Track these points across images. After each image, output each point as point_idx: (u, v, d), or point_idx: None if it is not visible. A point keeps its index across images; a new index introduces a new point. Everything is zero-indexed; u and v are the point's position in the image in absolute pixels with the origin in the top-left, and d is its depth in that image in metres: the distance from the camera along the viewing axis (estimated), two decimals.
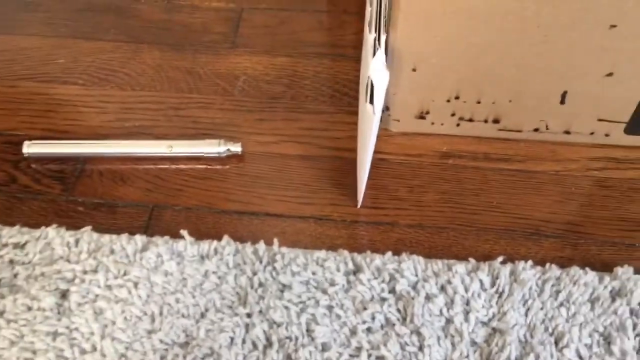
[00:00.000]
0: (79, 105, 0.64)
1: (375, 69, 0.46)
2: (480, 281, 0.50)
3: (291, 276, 0.51)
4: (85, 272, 0.51)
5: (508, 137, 0.60)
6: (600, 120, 0.57)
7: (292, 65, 0.67)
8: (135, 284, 0.50)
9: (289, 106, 0.64)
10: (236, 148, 0.59)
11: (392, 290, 0.50)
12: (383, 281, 0.50)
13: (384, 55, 0.48)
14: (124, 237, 0.53)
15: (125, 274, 0.51)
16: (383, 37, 0.49)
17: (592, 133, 0.59)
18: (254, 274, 0.51)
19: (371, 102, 0.48)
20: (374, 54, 0.48)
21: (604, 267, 0.52)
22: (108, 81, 0.66)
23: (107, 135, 0.62)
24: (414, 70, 0.55)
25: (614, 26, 0.49)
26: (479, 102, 0.57)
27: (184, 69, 0.67)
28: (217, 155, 0.59)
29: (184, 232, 0.53)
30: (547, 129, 0.59)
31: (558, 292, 0.50)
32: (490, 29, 0.51)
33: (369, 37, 0.50)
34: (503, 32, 0.51)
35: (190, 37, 0.70)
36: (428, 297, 0.50)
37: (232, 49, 0.69)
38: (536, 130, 0.59)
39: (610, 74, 0.53)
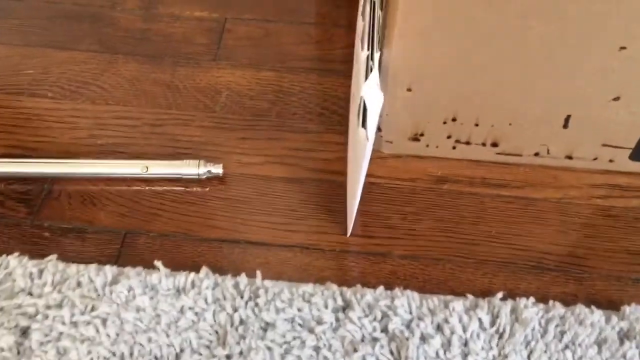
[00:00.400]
0: (49, 120, 0.60)
1: (369, 90, 0.43)
2: (480, 320, 0.47)
3: (275, 313, 0.46)
4: (48, 307, 0.46)
5: (507, 161, 0.57)
6: (604, 145, 0.54)
7: (277, 80, 0.63)
8: (104, 321, 0.46)
9: (274, 124, 0.60)
10: (217, 169, 0.55)
11: (384, 330, 0.46)
12: (375, 319, 0.47)
13: (378, 76, 0.44)
14: (93, 268, 0.48)
15: (92, 309, 0.46)
16: (377, 55, 0.45)
17: (595, 159, 0.56)
18: (235, 310, 0.47)
19: (363, 125, 0.44)
20: (367, 72, 0.44)
21: (610, 304, 0.49)
22: (80, 94, 0.62)
23: (77, 153, 0.57)
24: (409, 90, 0.51)
25: (623, 48, 0.46)
26: (476, 125, 0.54)
27: (163, 83, 0.63)
28: (197, 177, 0.55)
29: (158, 263, 0.48)
30: (548, 153, 0.56)
31: (563, 333, 0.46)
32: (490, 49, 0.47)
33: (362, 54, 0.46)
34: (504, 52, 0.47)
35: (170, 48, 0.66)
36: (423, 338, 0.46)
37: (214, 62, 0.65)
38: (537, 154, 0.56)
39: (616, 98, 0.50)
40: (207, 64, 0.65)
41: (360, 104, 0.45)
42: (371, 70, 0.44)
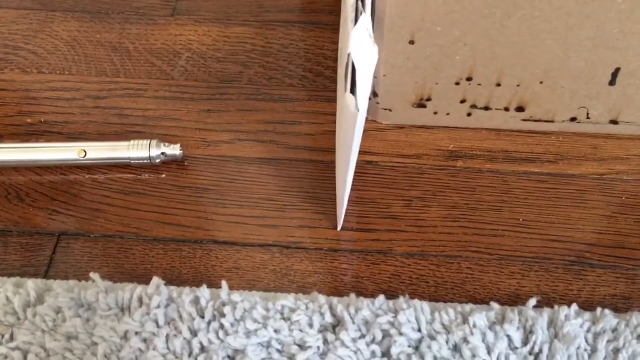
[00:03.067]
0: None
1: (358, 43, 0.31)
2: (508, 337, 0.36)
3: (245, 337, 0.36)
4: None
5: (536, 129, 0.46)
6: None
7: (250, 37, 0.52)
8: (25, 354, 0.35)
9: (247, 92, 0.49)
10: (173, 151, 0.44)
11: (386, 354, 0.36)
12: (373, 341, 0.36)
13: (370, 23, 0.33)
14: (10, 284, 0.38)
15: (11, 339, 0.36)
16: None
17: None
18: (194, 334, 0.36)
19: (352, 91, 0.33)
20: (356, 20, 0.33)
21: None
22: (7, 62, 0.50)
23: (1, 135, 0.46)
24: (411, 42, 0.40)
25: None
26: (498, 85, 0.42)
27: (109, 45, 0.51)
28: (148, 161, 0.44)
29: (94, 275, 0.38)
30: (588, 117, 0.44)
31: (617, 350, 0.36)
32: None
33: None
34: None
35: (118, 3, 0.54)
36: None
37: (172, 17, 0.53)
38: (573, 119, 0.45)
39: None
40: (163, 19, 0.53)
41: (347, 63, 0.34)
42: (357, 17, 0.32)
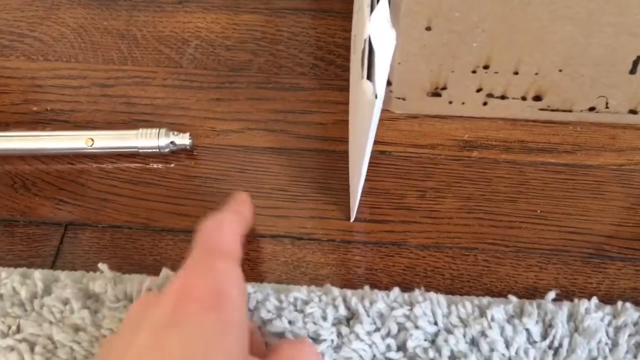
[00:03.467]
0: None
1: (376, 27, 0.30)
2: (528, 332, 0.35)
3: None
4: None
5: (553, 118, 0.45)
6: None
7: (260, 25, 0.51)
8: (32, 346, 0.35)
9: (256, 81, 0.48)
10: (183, 140, 0.43)
11: (402, 348, 0.35)
12: (389, 334, 0.35)
13: (388, 8, 0.32)
14: (17, 274, 0.37)
15: (18, 330, 0.35)
16: None
17: None
18: None
19: (369, 77, 0.32)
20: (372, 5, 0.32)
21: None
22: (12, 49, 0.49)
23: (7, 123, 0.45)
24: (428, 28, 0.39)
25: None
26: (516, 73, 0.41)
27: (116, 32, 0.50)
28: (157, 150, 0.43)
29: (103, 266, 0.37)
30: (607, 107, 0.43)
31: (639, 345, 0.35)
32: None
33: None
34: None
35: None
36: (454, 358, 0.35)
37: (181, 5, 0.52)
38: (592, 109, 0.44)
39: None
40: (171, 7, 0.52)
41: (364, 49, 0.33)
42: (378, 1, 0.31)
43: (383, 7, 0.31)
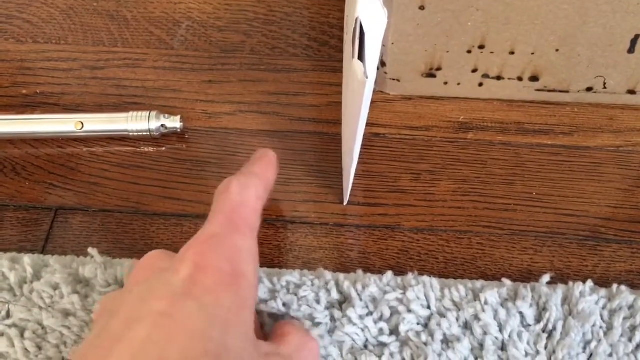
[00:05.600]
0: None
1: (367, 8, 0.30)
2: (521, 315, 0.35)
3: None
4: None
5: (550, 99, 0.44)
6: None
7: (252, 5, 0.50)
8: (22, 331, 0.34)
9: (249, 62, 0.47)
10: (173, 123, 0.42)
11: (394, 332, 0.35)
12: (381, 318, 0.35)
13: None
14: (6, 259, 0.37)
15: (8, 316, 0.35)
16: None
17: None
18: None
19: (360, 57, 0.31)
20: None
21: None
22: (1, 31, 0.49)
23: None
24: (421, 7, 0.38)
25: None
26: (512, 53, 0.41)
27: (106, 13, 0.49)
28: (148, 133, 0.42)
29: (93, 251, 0.37)
30: (604, 87, 0.43)
31: (634, 328, 0.35)
32: None
33: None
34: None
35: None
36: (447, 341, 0.34)
37: None
38: (589, 89, 0.43)
39: None
40: None
41: (355, 28, 0.32)
42: None
43: None
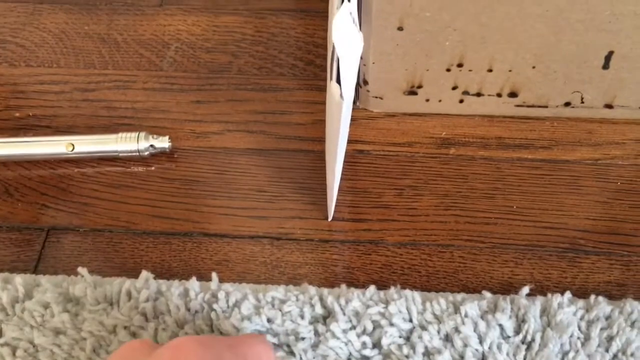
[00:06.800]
0: None
1: (341, 30, 0.31)
2: (501, 327, 0.36)
3: (240, 321, 0.36)
4: None
5: (529, 115, 0.45)
6: None
7: (240, 26, 0.51)
8: (13, 350, 0.35)
9: (236, 82, 0.48)
10: (162, 143, 0.44)
11: (377, 345, 0.36)
12: (364, 332, 0.36)
13: (356, 9, 0.32)
14: None
15: (0, 335, 0.36)
16: None
17: None
18: (180, 326, 0.36)
19: (338, 80, 0.32)
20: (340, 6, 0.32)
21: None
22: None
23: None
24: (400, 28, 0.39)
25: None
26: (490, 70, 0.42)
27: (97, 36, 0.51)
28: (137, 154, 0.43)
29: (82, 271, 0.38)
30: (582, 102, 0.44)
31: (610, 338, 0.35)
32: None
33: None
34: None
35: None
36: (428, 354, 0.35)
37: (161, 8, 0.52)
38: (567, 104, 0.44)
39: None
40: (151, 10, 0.52)
41: (332, 52, 0.33)
42: (342, 2, 0.32)
43: (348, 9, 0.31)
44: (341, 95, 0.31)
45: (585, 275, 0.39)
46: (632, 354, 0.35)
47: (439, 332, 0.36)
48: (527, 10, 0.37)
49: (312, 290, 0.37)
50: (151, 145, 0.43)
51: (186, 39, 0.50)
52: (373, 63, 0.42)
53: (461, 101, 0.44)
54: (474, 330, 0.36)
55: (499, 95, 0.44)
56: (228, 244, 0.41)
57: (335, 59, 0.33)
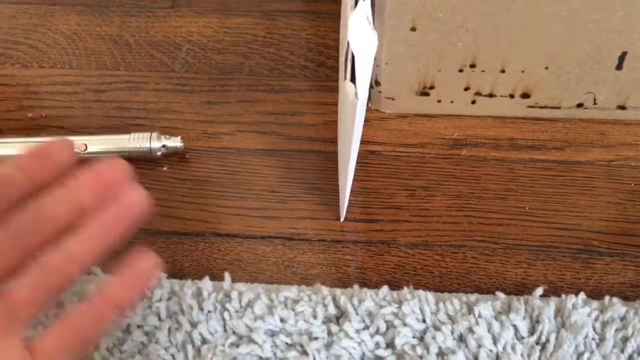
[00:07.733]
0: None
1: (356, 30, 0.31)
2: (515, 327, 0.36)
3: (253, 321, 0.36)
4: None
5: (541, 116, 0.45)
6: None
7: (251, 28, 0.51)
8: None
9: (248, 83, 0.48)
10: (174, 143, 0.44)
11: (390, 345, 0.36)
12: (377, 332, 0.36)
13: (370, 9, 0.32)
14: None
15: None
16: None
17: None
18: (194, 326, 0.36)
19: (352, 79, 0.32)
20: (355, 7, 0.32)
21: None
22: (7, 57, 0.50)
23: (2, 130, 0.46)
24: (413, 29, 0.39)
25: None
26: (502, 71, 0.42)
27: (109, 38, 0.51)
28: (149, 153, 0.43)
29: (96, 270, 0.38)
30: (594, 103, 0.44)
31: (625, 339, 0.35)
32: None
33: None
34: None
35: None
36: (442, 354, 0.35)
37: (172, 9, 0.53)
38: (580, 105, 0.44)
39: None
40: (163, 12, 0.52)
41: (347, 51, 0.33)
42: (357, 3, 0.32)
43: (363, 9, 0.31)
44: (356, 95, 0.31)
45: (599, 276, 0.39)
46: None
47: (452, 332, 0.36)
48: (541, 11, 0.37)
49: (325, 290, 0.37)
50: (163, 146, 0.43)
51: (197, 41, 0.50)
52: (385, 64, 0.42)
53: (473, 102, 0.44)
54: (488, 331, 0.36)
55: (512, 96, 0.43)
56: (240, 244, 0.41)
57: (349, 58, 0.33)
